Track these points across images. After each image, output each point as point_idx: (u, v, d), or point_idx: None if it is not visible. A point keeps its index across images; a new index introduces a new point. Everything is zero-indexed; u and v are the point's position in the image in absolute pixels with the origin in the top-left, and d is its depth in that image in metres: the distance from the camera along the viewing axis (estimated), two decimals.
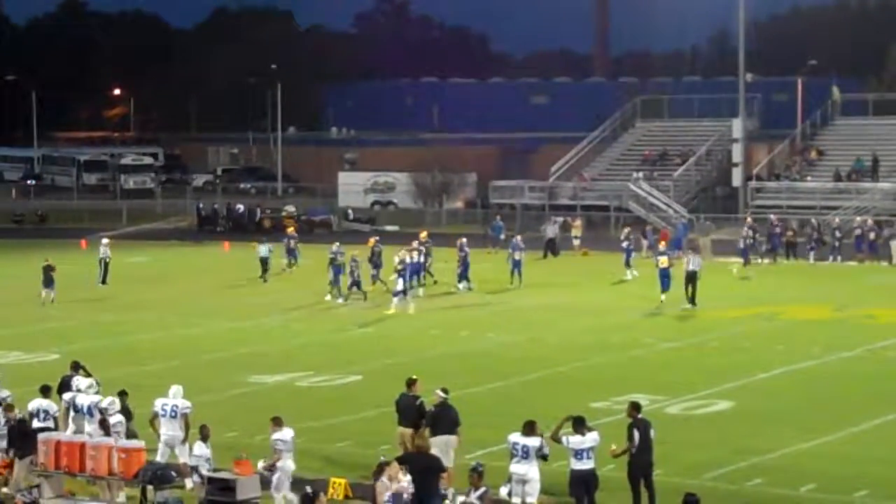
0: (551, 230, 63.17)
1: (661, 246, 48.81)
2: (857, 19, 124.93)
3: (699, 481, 23.71)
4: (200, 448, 21.87)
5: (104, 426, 22.75)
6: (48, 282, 47.77)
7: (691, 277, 44.75)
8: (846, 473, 24.41)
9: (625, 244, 53.75)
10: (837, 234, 59.62)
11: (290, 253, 55.89)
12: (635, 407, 21.95)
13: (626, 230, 56.32)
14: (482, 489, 19.83)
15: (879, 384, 32.40)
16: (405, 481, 20.00)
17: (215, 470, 21.50)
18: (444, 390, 23.53)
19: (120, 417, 22.83)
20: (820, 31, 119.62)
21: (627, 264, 53.15)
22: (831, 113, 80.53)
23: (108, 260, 52.47)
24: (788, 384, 32.69)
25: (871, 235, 59.07)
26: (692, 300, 44.56)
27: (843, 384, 32.66)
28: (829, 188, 72.60)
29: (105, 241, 53.87)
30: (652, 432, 21.74)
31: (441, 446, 22.79)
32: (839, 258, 58.33)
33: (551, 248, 61.55)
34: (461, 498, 20.07)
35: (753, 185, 74.92)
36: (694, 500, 18.13)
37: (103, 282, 51.99)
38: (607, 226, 72.16)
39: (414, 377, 24.39)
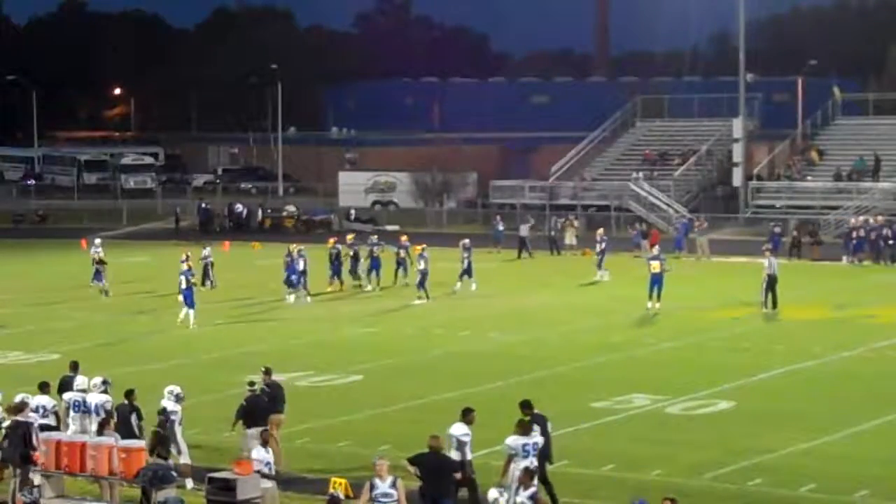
0: (523, 229, 62.87)
1: (654, 250, 46.97)
2: (857, 19, 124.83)
3: (699, 481, 23.72)
4: (259, 453, 21.78)
5: (101, 427, 22.71)
6: (205, 275, 50.57)
7: (773, 281, 43.67)
8: (846, 473, 24.39)
9: (602, 245, 52.79)
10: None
11: (401, 264, 50.92)
12: (527, 405, 22.00)
13: (600, 231, 55.50)
14: (532, 489, 19.23)
15: (880, 384, 32.39)
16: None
17: (215, 469, 21.49)
18: (251, 383, 24.95)
19: None
20: (820, 31, 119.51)
21: (600, 266, 52.45)
22: (832, 113, 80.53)
23: (99, 259, 51.70)
24: (788, 384, 32.68)
25: (872, 235, 59.06)
26: (775, 303, 43.53)
27: (843, 384, 32.65)
28: (830, 188, 72.64)
29: (98, 241, 53.37)
30: (549, 425, 22.00)
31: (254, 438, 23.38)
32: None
33: (524, 246, 61.55)
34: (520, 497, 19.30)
35: (754, 184, 74.96)
36: None
37: (99, 281, 51.70)
38: (608, 226, 72.05)
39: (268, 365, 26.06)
